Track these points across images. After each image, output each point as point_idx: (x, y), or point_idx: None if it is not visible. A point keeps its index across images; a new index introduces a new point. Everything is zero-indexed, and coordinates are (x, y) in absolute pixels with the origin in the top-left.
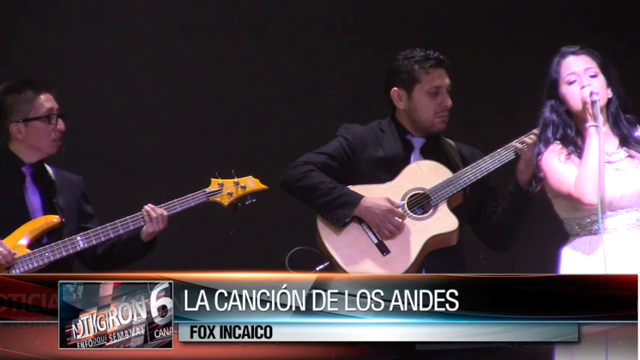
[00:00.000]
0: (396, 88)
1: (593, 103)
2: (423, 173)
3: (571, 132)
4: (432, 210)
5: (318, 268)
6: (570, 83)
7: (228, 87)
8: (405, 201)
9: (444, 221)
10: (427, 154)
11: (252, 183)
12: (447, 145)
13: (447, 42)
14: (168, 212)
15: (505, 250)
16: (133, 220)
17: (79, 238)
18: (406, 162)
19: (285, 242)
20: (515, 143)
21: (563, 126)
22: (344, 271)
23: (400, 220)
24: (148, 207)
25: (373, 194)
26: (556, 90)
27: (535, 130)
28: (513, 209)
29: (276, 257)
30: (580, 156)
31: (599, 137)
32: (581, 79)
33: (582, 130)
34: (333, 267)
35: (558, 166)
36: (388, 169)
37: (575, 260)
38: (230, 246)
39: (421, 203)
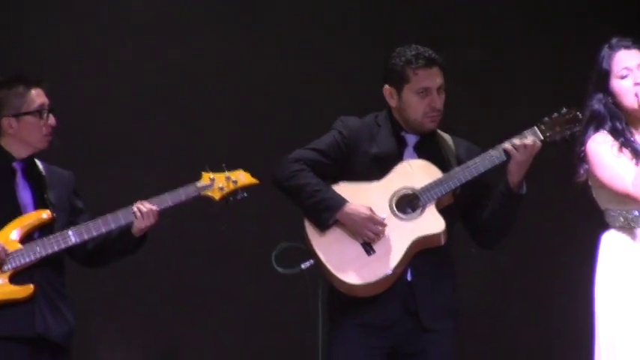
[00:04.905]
0: (387, 86)
1: None
2: (414, 172)
3: (620, 124)
4: (419, 210)
5: (303, 266)
6: (622, 78)
7: (219, 81)
8: (388, 212)
9: (430, 222)
10: (421, 151)
11: (243, 177)
12: (443, 142)
13: (448, 36)
14: (158, 207)
15: (493, 248)
16: (124, 215)
17: (70, 232)
18: (399, 159)
19: (276, 237)
20: (506, 144)
21: (611, 118)
22: (328, 270)
23: (380, 228)
24: (139, 202)
25: (363, 193)
26: (606, 83)
27: (526, 132)
28: (503, 210)
29: (267, 253)
30: (631, 149)
31: None
32: (635, 74)
33: (632, 124)
34: (318, 265)
35: (610, 160)
36: (381, 166)
37: (620, 247)
38: (222, 241)
39: (410, 203)
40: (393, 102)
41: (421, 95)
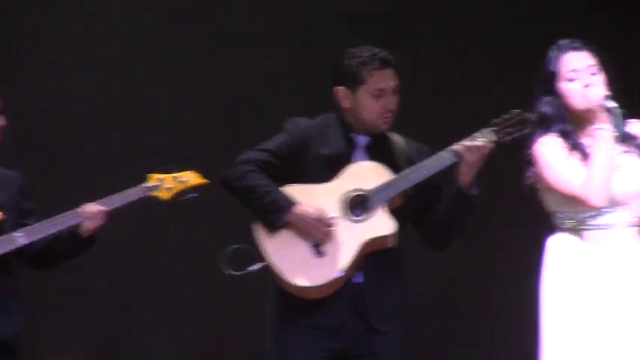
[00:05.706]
0: (340, 87)
1: (609, 110)
2: (364, 174)
3: (568, 127)
4: (370, 212)
5: (253, 268)
6: (571, 80)
7: (172, 82)
8: (339, 214)
9: (381, 224)
10: (371, 152)
11: (192, 177)
12: (393, 143)
13: (404, 35)
14: (107, 208)
15: (443, 249)
16: (73, 216)
17: (18, 234)
18: (349, 160)
19: (226, 239)
20: (456, 146)
21: (559, 120)
22: (277, 273)
23: (329, 229)
24: (87, 204)
25: (313, 194)
26: (553, 85)
27: (476, 133)
28: (453, 211)
29: (217, 254)
30: (580, 151)
31: (611, 142)
32: (584, 76)
33: (580, 126)
34: (268, 268)
35: (558, 162)
36: (331, 168)
37: (568, 249)
38: (171, 243)
39: (360, 205)
40: (346, 103)
41: (376, 96)
